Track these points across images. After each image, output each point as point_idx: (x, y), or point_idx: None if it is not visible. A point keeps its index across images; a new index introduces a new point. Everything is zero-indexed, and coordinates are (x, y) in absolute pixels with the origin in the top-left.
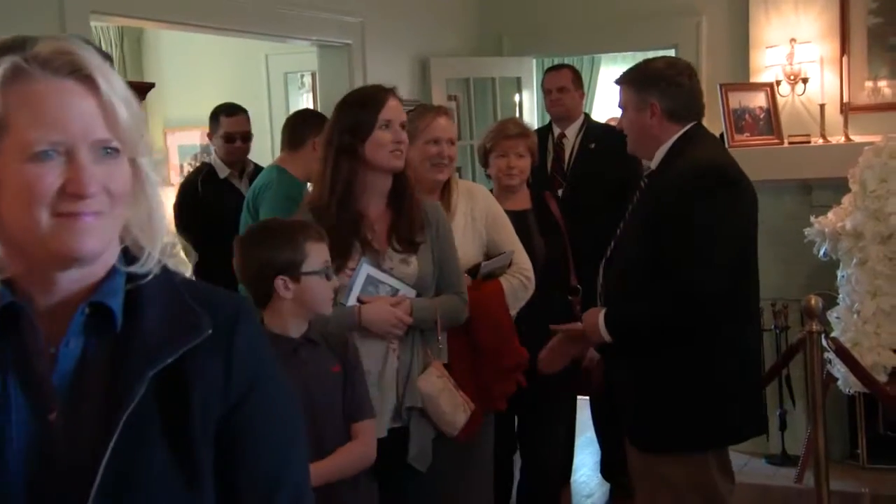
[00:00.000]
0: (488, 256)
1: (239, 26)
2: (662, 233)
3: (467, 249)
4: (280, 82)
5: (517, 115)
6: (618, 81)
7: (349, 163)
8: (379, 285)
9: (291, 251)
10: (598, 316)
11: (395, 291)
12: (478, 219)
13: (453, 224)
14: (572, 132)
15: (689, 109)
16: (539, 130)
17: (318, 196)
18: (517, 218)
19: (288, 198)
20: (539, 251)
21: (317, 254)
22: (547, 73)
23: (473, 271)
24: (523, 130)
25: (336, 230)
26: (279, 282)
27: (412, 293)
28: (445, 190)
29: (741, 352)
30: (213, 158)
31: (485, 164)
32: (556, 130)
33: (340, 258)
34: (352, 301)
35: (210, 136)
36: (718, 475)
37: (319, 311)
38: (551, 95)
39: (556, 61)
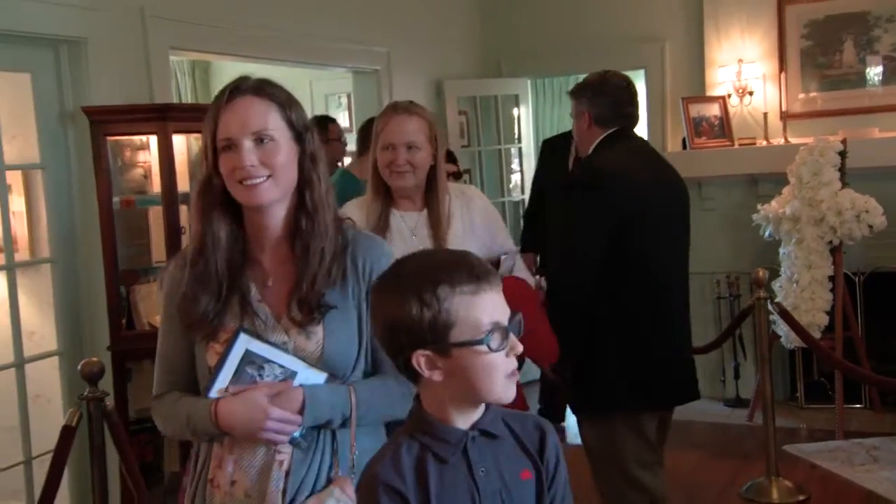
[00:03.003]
0: (489, 260)
1: (288, 57)
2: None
3: None
4: (322, 102)
5: (515, 126)
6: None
7: (215, 194)
8: (265, 366)
9: (428, 310)
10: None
11: (290, 375)
12: (477, 224)
13: (451, 232)
14: None
15: (614, 115)
16: (561, 135)
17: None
18: None
19: (340, 199)
20: None
21: (474, 311)
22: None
23: None
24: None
25: (208, 282)
26: (419, 359)
27: (319, 378)
28: (432, 197)
29: (639, 328)
30: None
31: None
32: None
33: (211, 324)
34: (218, 388)
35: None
36: (628, 439)
37: (493, 397)
38: None
39: (549, 81)
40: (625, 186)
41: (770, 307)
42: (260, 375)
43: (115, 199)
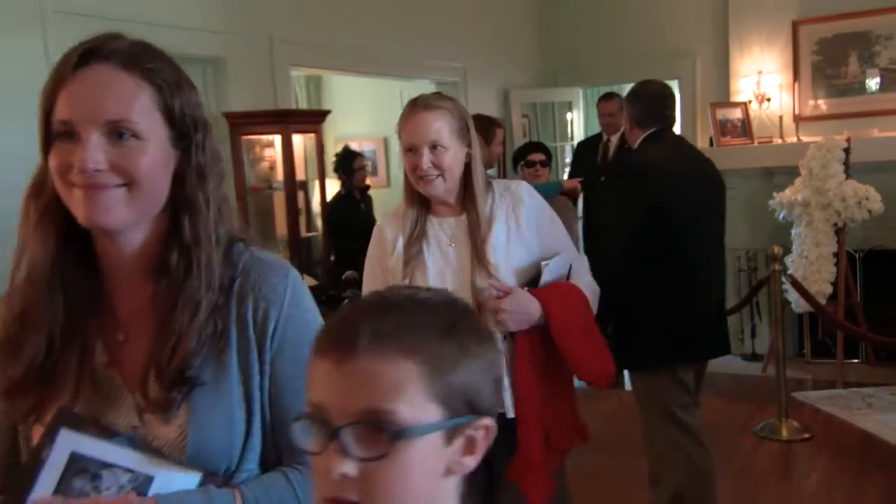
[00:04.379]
0: (532, 269)
1: (383, 71)
2: None
3: (514, 263)
4: None
5: (568, 129)
6: None
7: (50, 200)
8: (102, 473)
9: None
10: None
11: (143, 482)
12: (524, 224)
13: (493, 235)
14: (616, 138)
15: (649, 118)
16: (592, 137)
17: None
18: None
19: None
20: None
21: (307, 376)
22: (600, 101)
23: (533, 283)
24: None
25: (36, 331)
26: None
27: (190, 480)
28: (468, 200)
29: (676, 295)
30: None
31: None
32: (605, 137)
33: (32, 403)
34: None
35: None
36: (669, 387)
37: None
38: (604, 118)
39: (597, 90)
40: (655, 175)
41: (783, 278)
42: (96, 488)
43: (248, 186)
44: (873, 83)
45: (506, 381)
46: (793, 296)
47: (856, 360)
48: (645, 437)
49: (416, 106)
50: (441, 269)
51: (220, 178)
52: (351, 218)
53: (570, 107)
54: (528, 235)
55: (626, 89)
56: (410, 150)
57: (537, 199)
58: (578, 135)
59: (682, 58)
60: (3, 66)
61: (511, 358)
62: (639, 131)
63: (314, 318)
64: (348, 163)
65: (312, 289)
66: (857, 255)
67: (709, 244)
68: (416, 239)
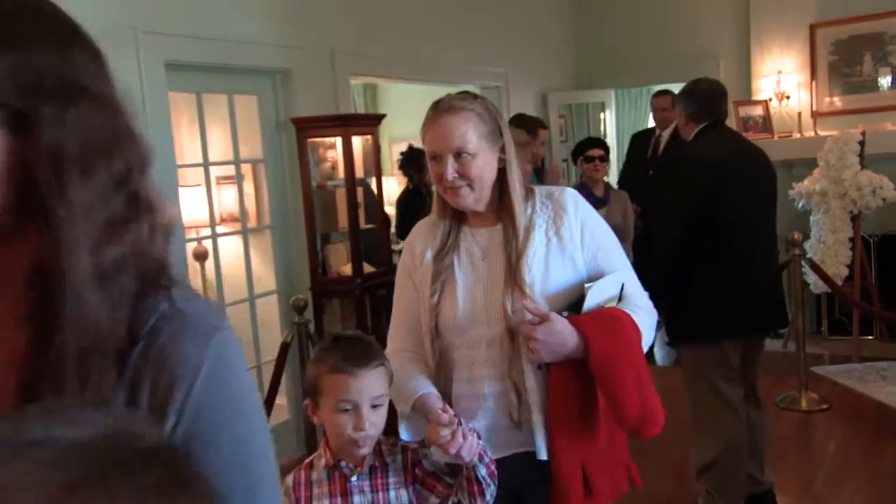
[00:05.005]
0: (573, 292)
1: (431, 77)
2: None
3: (552, 282)
4: None
5: (602, 128)
6: None
7: None
8: None
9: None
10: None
11: None
12: (566, 237)
13: (530, 249)
14: (667, 133)
15: (702, 114)
16: (646, 130)
17: None
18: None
19: None
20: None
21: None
22: (654, 98)
23: (575, 307)
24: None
25: None
26: None
27: None
28: (504, 210)
29: (725, 275)
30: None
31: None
32: (657, 132)
33: None
34: None
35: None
36: (711, 360)
37: None
38: (658, 114)
39: (628, 91)
40: (703, 165)
41: (802, 262)
42: None
43: (313, 184)
44: (886, 81)
45: (538, 418)
46: (811, 278)
47: (870, 337)
48: (691, 404)
49: (439, 109)
50: (471, 285)
51: (126, 168)
52: (418, 212)
53: (603, 107)
54: (570, 249)
55: (655, 90)
56: (434, 159)
57: (584, 207)
58: (611, 133)
59: (707, 60)
60: None
61: (546, 391)
62: (693, 125)
63: (238, 409)
64: (417, 160)
65: (370, 275)
66: (871, 240)
67: (757, 227)
68: (447, 252)
